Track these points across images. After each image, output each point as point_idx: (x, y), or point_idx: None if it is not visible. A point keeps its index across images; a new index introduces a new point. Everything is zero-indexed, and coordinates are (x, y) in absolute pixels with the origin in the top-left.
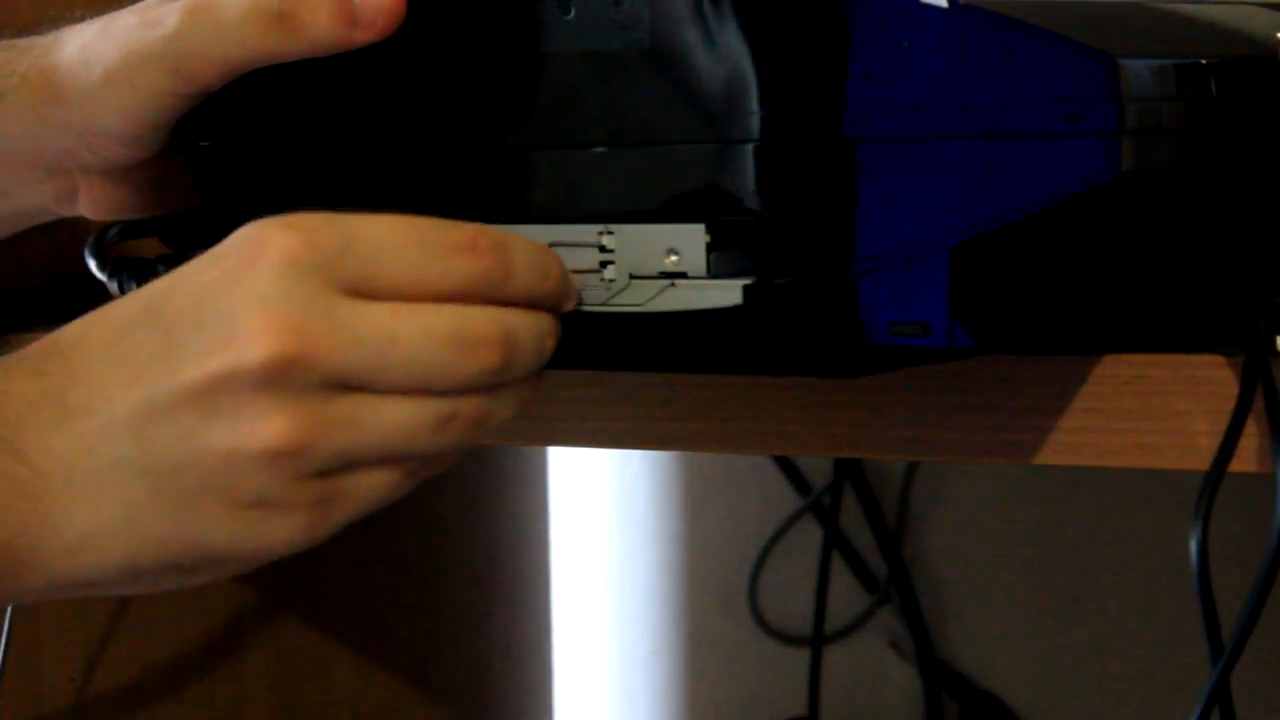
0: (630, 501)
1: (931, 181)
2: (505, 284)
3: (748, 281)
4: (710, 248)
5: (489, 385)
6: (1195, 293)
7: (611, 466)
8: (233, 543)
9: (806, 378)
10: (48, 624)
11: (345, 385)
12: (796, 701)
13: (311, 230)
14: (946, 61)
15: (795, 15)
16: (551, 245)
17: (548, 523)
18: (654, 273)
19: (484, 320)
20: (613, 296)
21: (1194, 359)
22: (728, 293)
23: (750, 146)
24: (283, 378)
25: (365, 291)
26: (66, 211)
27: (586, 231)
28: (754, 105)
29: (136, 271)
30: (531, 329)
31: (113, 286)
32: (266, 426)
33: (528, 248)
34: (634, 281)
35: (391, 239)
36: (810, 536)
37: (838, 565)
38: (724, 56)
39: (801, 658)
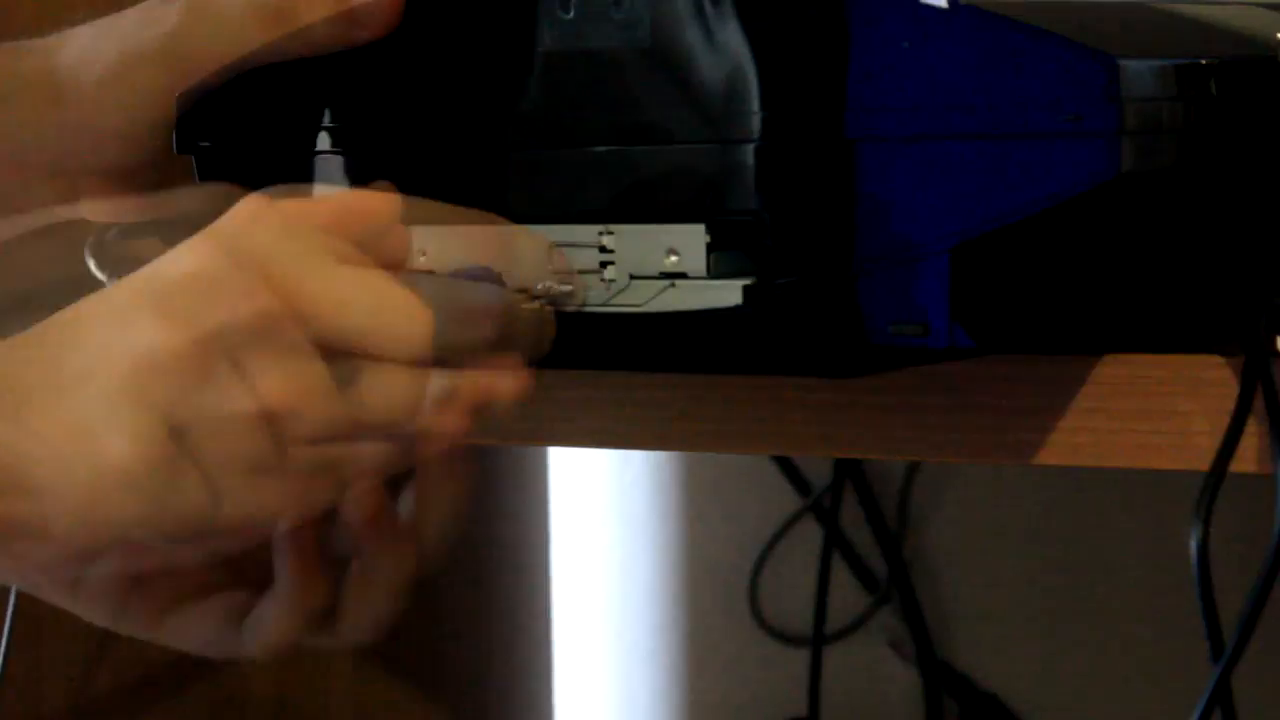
0: (630, 501)
1: (931, 181)
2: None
3: (748, 281)
4: (710, 248)
5: (488, 361)
6: (1195, 293)
7: (611, 466)
8: (221, 509)
9: (806, 378)
10: (48, 624)
11: (341, 348)
12: (796, 701)
13: (307, 202)
14: (946, 61)
15: (795, 15)
16: (551, 245)
17: (548, 523)
18: (654, 273)
19: (483, 291)
20: (613, 297)
21: (1194, 359)
22: (728, 293)
23: (750, 146)
24: (275, 333)
25: (355, 259)
26: (68, 214)
27: (586, 232)
28: (754, 105)
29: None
30: (531, 310)
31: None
32: (260, 385)
33: (530, 240)
34: (634, 282)
35: (376, 209)
36: (810, 537)
37: (838, 565)
38: (724, 56)
39: (801, 658)
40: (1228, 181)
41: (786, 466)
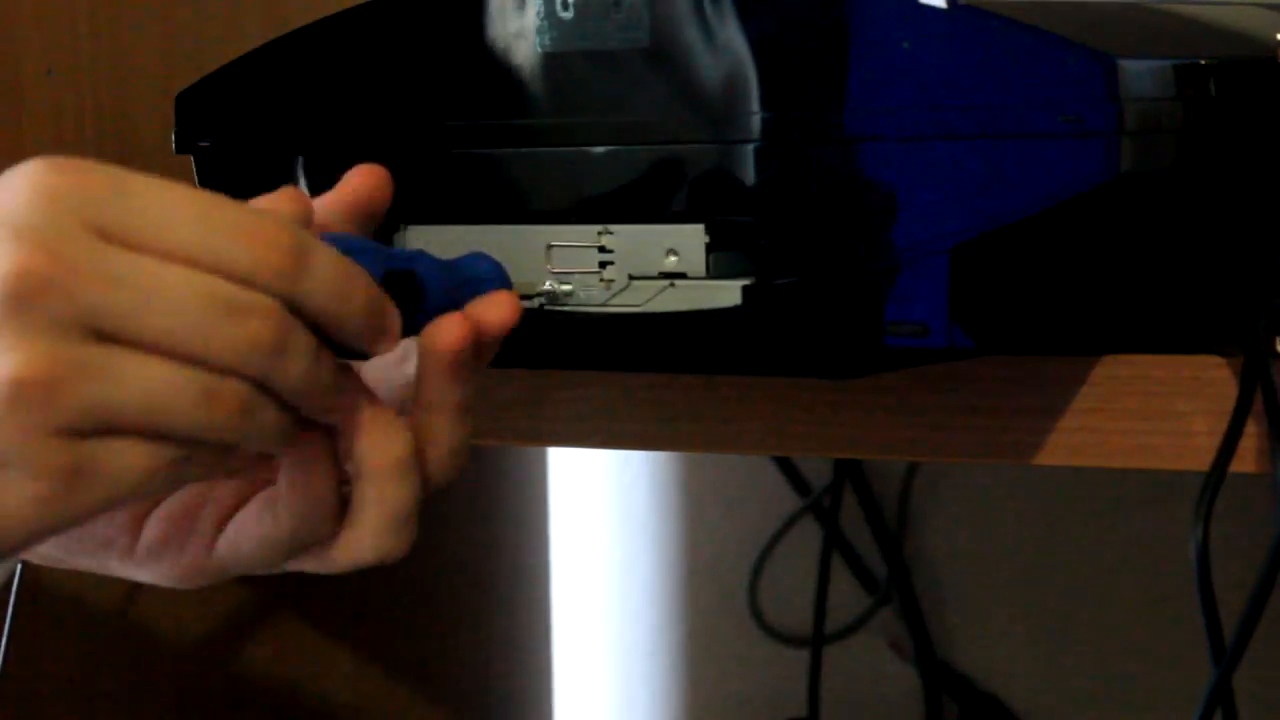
0: (630, 501)
1: (931, 181)
2: (294, 287)
3: (747, 282)
4: (710, 248)
5: (259, 371)
6: (1195, 293)
7: (611, 466)
8: None
9: (806, 378)
10: (48, 624)
11: (103, 332)
12: (796, 701)
13: (83, 172)
14: (946, 61)
15: (795, 15)
16: (551, 245)
17: (548, 523)
18: (654, 273)
19: (262, 297)
20: (612, 297)
21: (1194, 359)
22: (727, 293)
23: (750, 147)
24: (32, 302)
25: (134, 244)
26: None
27: (586, 232)
28: (754, 105)
29: None
30: (309, 342)
31: None
32: (10, 358)
33: (336, 263)
34: (634, 282)
35: (174, 200)
36: (810, 537)
37: (838, 565)
38: (724, 57)
39: (801, 658)
40: (1228, 182)
41: (786, 466)
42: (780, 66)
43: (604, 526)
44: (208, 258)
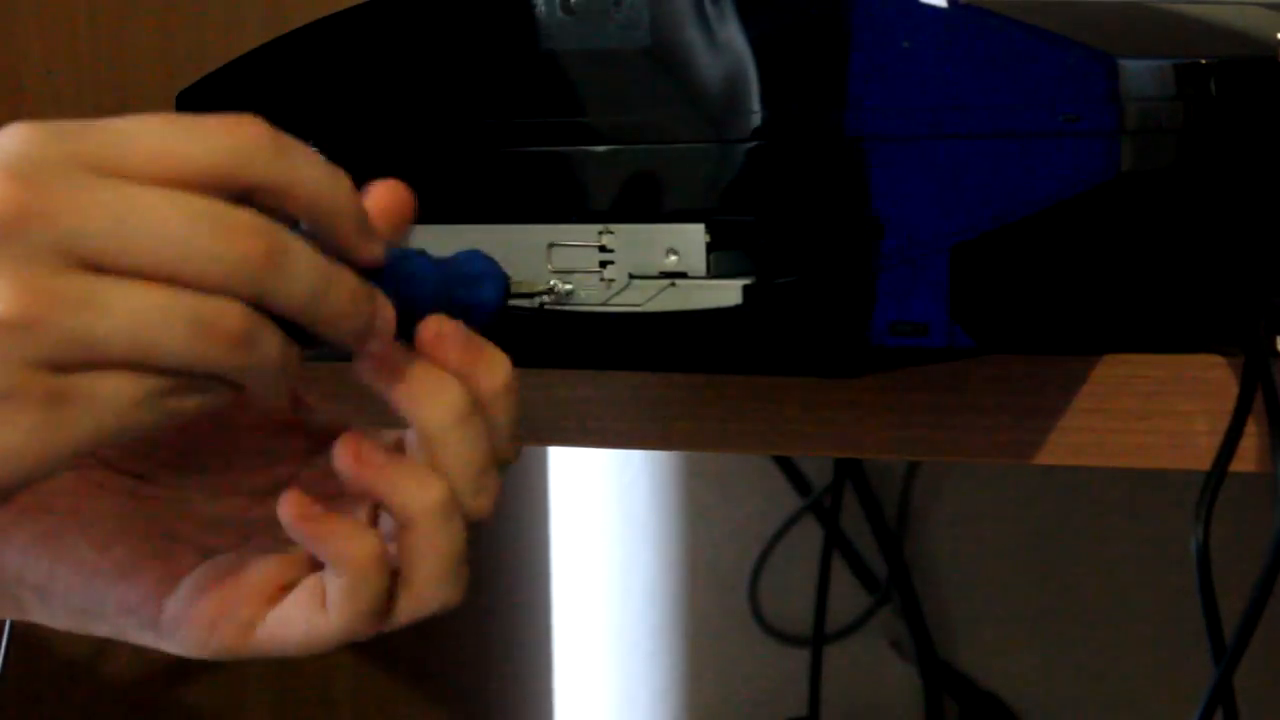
0: (630, 501)
1: (931, 181)
2: (276, 165)
3: (747, 281)
4: (710, 248)
5: (254, 289)
6: (1195, 293)
7: (611, 466)
8: None
9: (806, 378)
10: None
11: (85, 260)
12: (796, 701)
13: (59, 121)
14: (946, 61)
15: (795, 15)
16: (551, 245)
17: (548, 523)
18: (654, 273)
19: (248, 212)
20: (613, 296)
21: (1194, 359)
22: (727, 293)
23: (750, 146)
24: (9, 235)
25: (114, 170)
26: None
27: (586, 232)
28: (754, 105)
29: None
30: (308, 254)
31: None
32: None
33: (313, 152)
34: (634, 281)
35: (151, 121)
36: (810, 537)
37: (838, 565)
38: (724, 56)
39: (801, 658)
40: (1228, 181)
41: (786, 466)
42: (780, 66)
43: (604, 526)
44: (183, 163)
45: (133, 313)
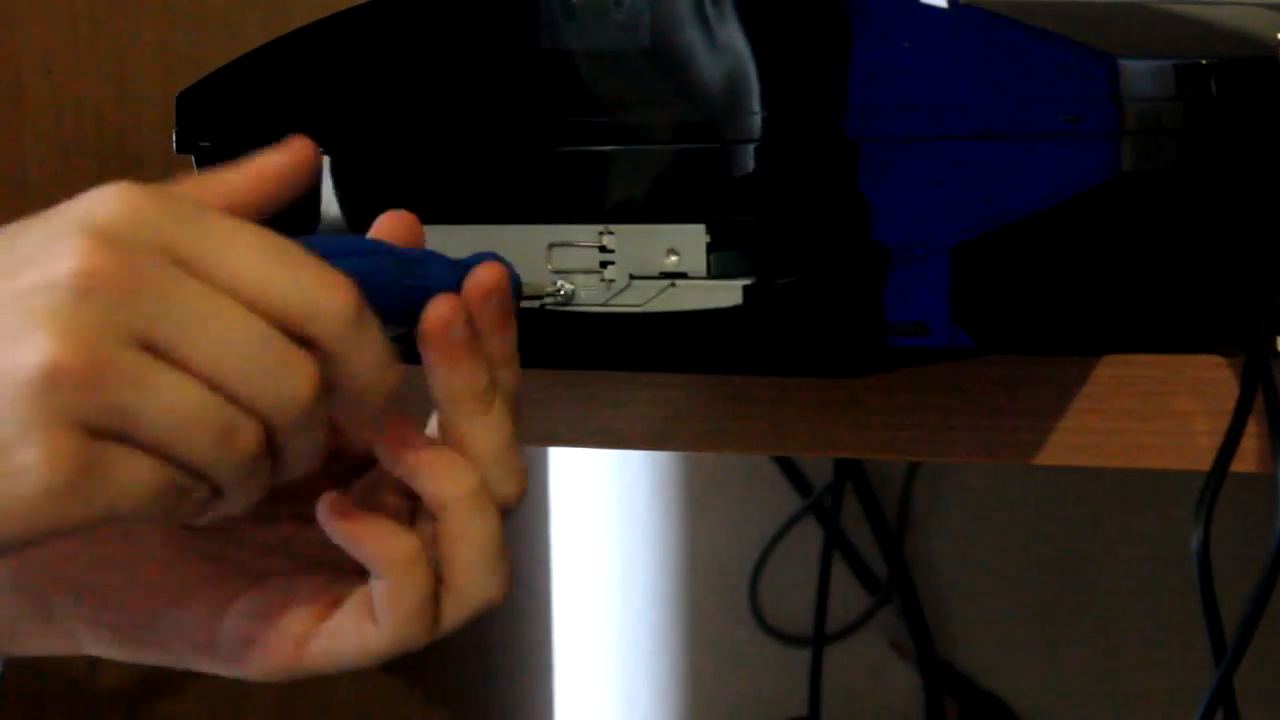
0: (630, 501)
1: (931, 181)
2: (345, 338)
3: (748, 282)
4: (710, 248)
5: (283, 423)
6: (1195, 293)
7: (611, 466)
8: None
9: (806, 378)
10: None
11: (152, 346)
12: (796, 701)
13: (167, 196)
14: (947, 61)
15: (796, 15)
16: (552, 245)
17: (548, 523)
18: (654, 273)
19: (309, 360)
20: (613, 296)
21: (1194, 359)
22: (728, 293)
23: (751, 146)
24: (94, 298)
25: (203, 273)
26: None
27: (587, 232)
28: (755, 105)
29: None
30: (324, 413)
31: None
32: (57, 342)
33: (379, 339)
34: (634, 282)
35: (249, 238)
36: (811, 537)
37: (838, 565)
38: (725, 56)
39: (801, 658)
40: (1228, 182)
41: (786, 466)
42: (780, 66)
43: (604, 526)
44: (273, 300)
45: (177, 404)
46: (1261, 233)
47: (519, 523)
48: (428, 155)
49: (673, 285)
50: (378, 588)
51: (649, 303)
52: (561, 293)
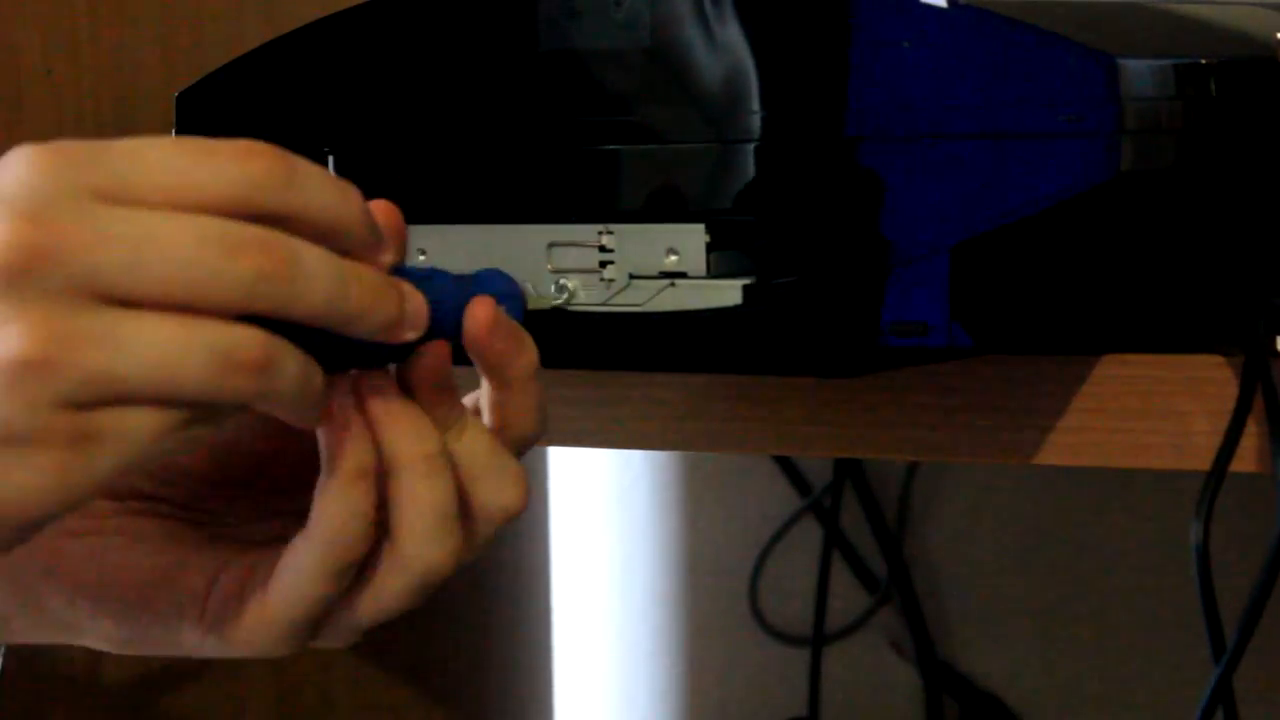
0: (630, 501)
1: (931, 181)
2: (287, 193)
3: (747, 281)
4: (710, 247)
5: (272, 304)
6: (1195, 293)
7: (611, 466)
8: None
9: (806, 378)
10: None
11: (101, 294)
12: (796, 701)
13: (64, 145)
14: (946, 61)
15: (795, 15)
16: (552, 245)
17: (548, 523)
18: (654, 272)
19: (257, 228)
20: (613, 296)
21: (1194, 359)
22: (727, 293)
23: (751, 146)
24: (24, 273)
25: (123, 197)
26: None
27: (587, 231)
28: (755, 105)
29: None
30: (321, 256)
31: None
32: (8, 333)
33: (322, 172)
34: (634, 281)
35: (153, 145)
36: (810, 536)
37: (838, 565)
38: (724, 56)
39: (801, 658)
40: (1227, 182)
41: (786, 466)
42: (780, 66)
43: (604, 526)
44: (194, 191)
45: (152, 347)
46: (1261, 233)
47: (519, 523)
48: (427, 155)
49: (672, 285)
50: (319, 487)
51: (648, 302)
52: (564, 298)
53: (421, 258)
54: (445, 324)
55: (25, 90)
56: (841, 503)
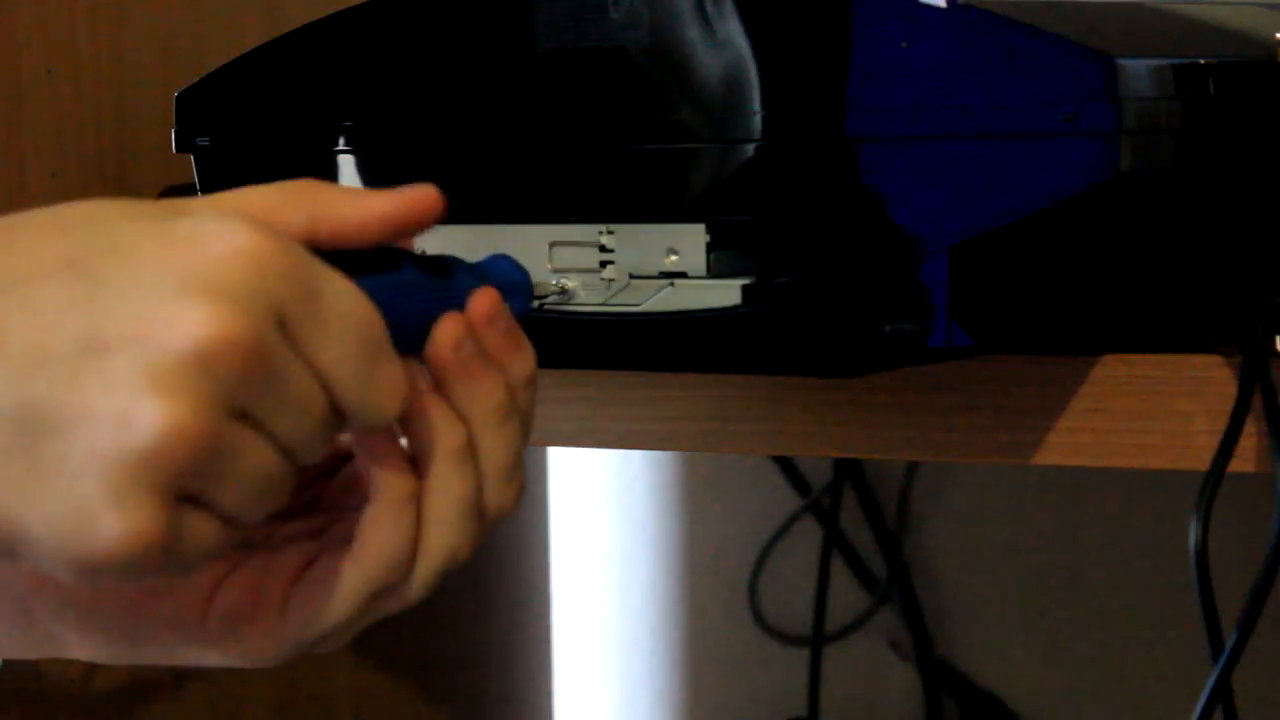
0: (630, 501)
1: (931, 181)
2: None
3: (747, 282)
4: (710, 247)
5: (305, 455)
6: (1195, 293)
7: (611, 466)
8: (48, 524)
9: (806, 378)
10: None
11: (248, 413)
12: (796, 701)
13: (286, 253)
14: (946, 61)
15: (795, 15)
16: (553, 244)
17: (548, 523)
18: (654, 273)
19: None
20: (612, 296)
21: (1194, 359)
22: (727, 293)
23: (751, 146)
24: (216, 369)
25: (301, 349)
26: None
27: (587, 231)
28: (755, 105)
29: None
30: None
31: None
32: (171, 412)
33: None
34: (634, 281)
35: (350, 325)
36: (810, 536)
37: (838, 565)
38: (724, 56)
39: (801, 658)
40: (1227, 181)
41: (786, 466)
42: (780, 66)
43: (604, 526)
44: (349, 389)
45: (256, 472)
46: (1261, 233)
47: (519, 523)
48: (428, 155)
49: (672, 285)
50: (368, 516)
51: (648, 302)
52: (565, 290)
53: None
54: (416, 323)
55: (25, 90)
56: (841, 503)
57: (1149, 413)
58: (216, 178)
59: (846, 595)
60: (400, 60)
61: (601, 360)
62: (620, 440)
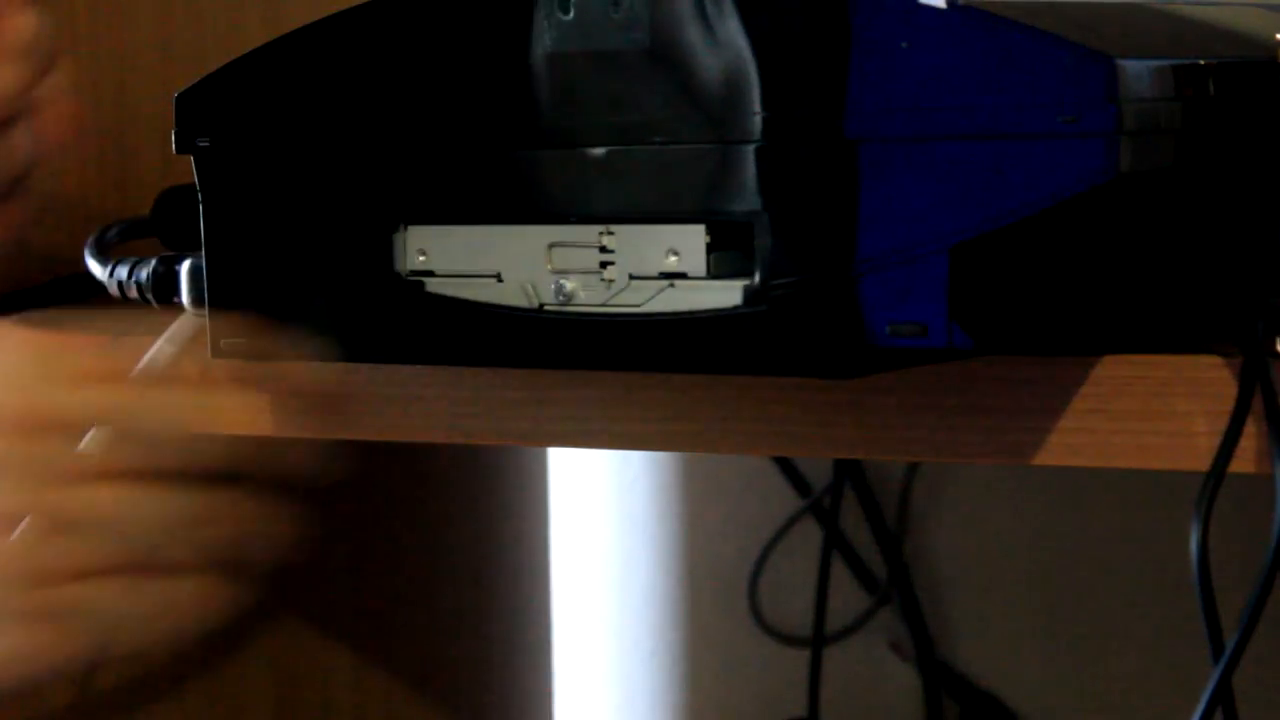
0: (630, 501)
1: (931, 181)
2: None
3: (747, 282)
4: (710, 248)
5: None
6: (1195, 293)
7: (611, 466)
8: None
9: (806, 378)
10: None
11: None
12: (796, 701)
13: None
14: (946, 61)
15: (795, 15)
16: (552, 245)
17: (548, 523)
18: (654, 273)
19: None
20: (612, 297)
21: (1194, 359)
22: (727, 293)
23: (751, 147)
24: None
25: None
26: None
27: (587, 232)
28: (755, 106)
29: (136, 271)
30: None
31: (112, 285)
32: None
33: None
34: (633, 282)
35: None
36: (810, 537)
37: (838, 566)
38: (724, 57)
39: (801, 658)
40: (1226, 182)
41: (786, 466)
42: (780, 67)
43: (604, 526)
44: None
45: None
46: (1261, 233)
47: (519, 523)
48: (428, 155)
49: (672, 285)
50: None
51: (648, 303)
52: (563, 289)
53: (421, 258)
54: None
55: None
56: (841, 503)
57: (1149, 413)
58: (217, 178)
59: (846, 596)
60: (401, 61)
61: (601, 361)
62: (620, 441)
